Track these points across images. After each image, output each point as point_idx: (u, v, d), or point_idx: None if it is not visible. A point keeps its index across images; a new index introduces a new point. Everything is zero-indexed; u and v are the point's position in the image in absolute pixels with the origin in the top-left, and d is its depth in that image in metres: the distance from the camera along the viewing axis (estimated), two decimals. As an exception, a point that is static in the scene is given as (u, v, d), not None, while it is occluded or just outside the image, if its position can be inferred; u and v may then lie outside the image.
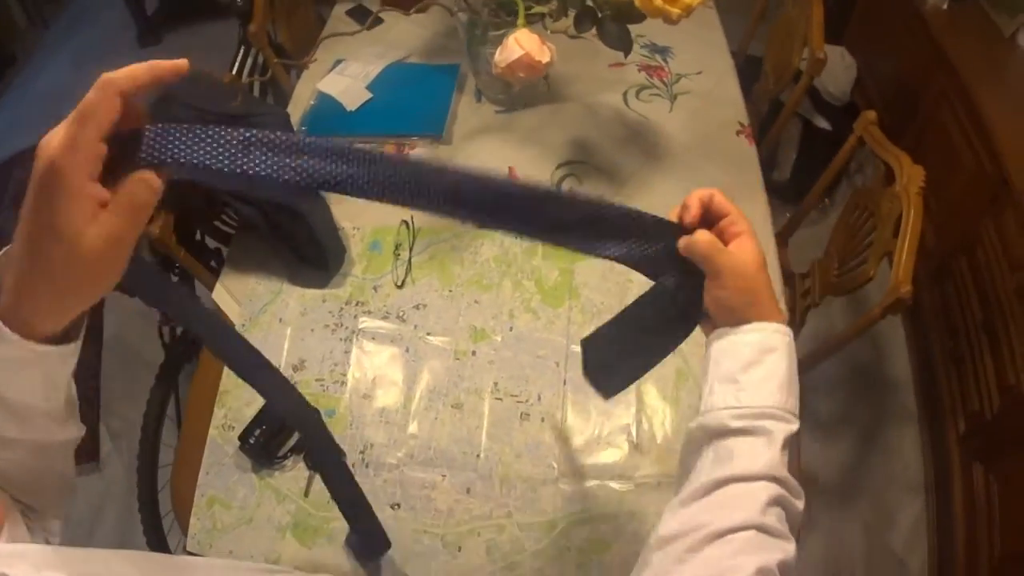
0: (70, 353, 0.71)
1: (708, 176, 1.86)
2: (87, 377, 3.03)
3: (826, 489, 2.63)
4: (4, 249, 0.66)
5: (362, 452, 1.55)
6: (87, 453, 2.87)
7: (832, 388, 2.73)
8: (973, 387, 2.38)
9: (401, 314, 1.70)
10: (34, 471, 0.79)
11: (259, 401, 1.57)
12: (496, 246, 1.78)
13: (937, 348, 2.63)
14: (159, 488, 2.04)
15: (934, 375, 2.63)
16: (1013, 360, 2.16)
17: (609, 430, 1.54)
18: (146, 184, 0.64)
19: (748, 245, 0.90)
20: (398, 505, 1.49)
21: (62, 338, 0.69)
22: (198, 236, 1.98)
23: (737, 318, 0.90)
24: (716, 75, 2.17)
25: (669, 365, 1.58)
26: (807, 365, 1.90)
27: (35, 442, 0.77)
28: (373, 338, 1.67)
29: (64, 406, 0.78)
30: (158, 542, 1.98)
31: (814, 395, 2.66)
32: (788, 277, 1.74)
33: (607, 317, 1.61)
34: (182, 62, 0.62)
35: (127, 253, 0.65)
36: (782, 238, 1.80)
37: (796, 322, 1.97)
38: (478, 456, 1.53)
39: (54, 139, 0.59)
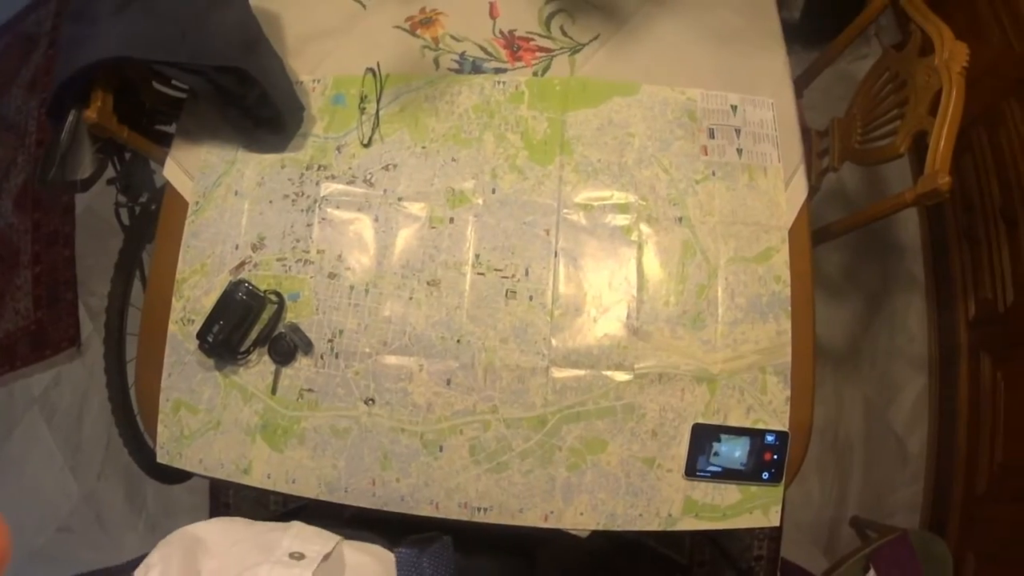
0: None
1: (720, 19, 1.62)
2: (62, 258, 2.89)
3: (828, 353, 2.52)
4: None
5: (331, 341, 1.40)
6: (68, 338, 2.78)
7: (838, 244, 2.55)
8: (987, 272, 2.23)
9: (368, 177, 1.50)
10: None
11: (218, 290, 1.42)
12: (476, 94, 1.55)
13: (951, 221, 2.46)
14: (131, 385, 1.90)
15: (946, 248, 2.47)
16: (1033, 257, 2.00)
17: (606, 311, 1.38)
18: None
19: None
20: (372, 400, 1.37)
21: None
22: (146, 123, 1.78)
23: None
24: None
25: (673, 235, 1.42)
26: (828, 234, 1.74)
27: None
28: (338, 206, 1.48)
29: None
30: (138, 447, 1.86)
31: (821, 249, 2.52)
32: (805, 133, 1.55)
33: (604, 177, 1.47)
34: None
35: None
36: (797, 89, 1.60)
37: (811, 185, 1.79)
38: (458, 342, 1.38)
39: None
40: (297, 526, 0.82)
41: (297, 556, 0.74)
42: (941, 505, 2.33)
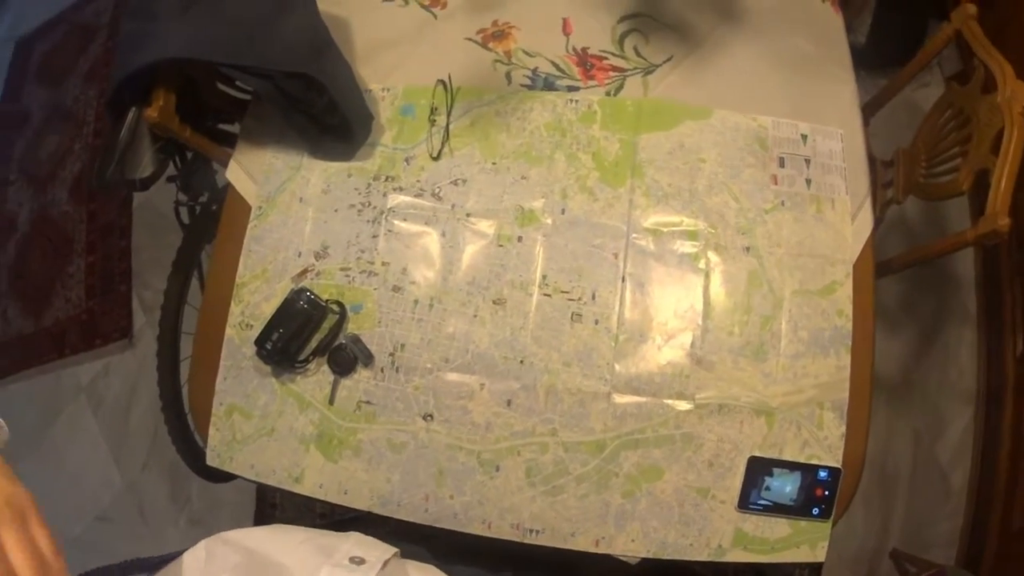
0: None
1: (791, 46, 1.60)
2: (117, 249, 2.91)
3: (880, 384, 2.48)
4: None
5: (392, 354, 1.40)
6: (119, 329, 2.80)
7: (896, 275, 2.54)
8: (1038, 309, 2.20)
9: (437, 191, 1.49)
10: None
11: (279, 296, 1.42)
12: (548, 111, 1.53)
13: (1005, 256, 2.42)
14: (183, 383, 1.91)
15: (999, 284, 2.44)
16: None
17: (671, 339, 1.37)
18: None
19: None
20: (431, 416, 1.36)
21: None
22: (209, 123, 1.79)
23: None
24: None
25: (741, 264, 1.40)
26: (889, 268, 1.74)
27: None
28: (405, 219, 1.47)
29: None
30: (186, 446, 1.89)
31: (880, 280, 2.51)
32: (870, 163, 1.53)
33: (675, 203, 1.46)
34: None
35: None
36: (863, 118, 1.59)
37: (875, 216, 1.77)
38: (521, 362, 1.37)
39: None
40: (356, 535, 0.83)
41: (358, 561, 0.75)
42: (978, 541, 2.30)
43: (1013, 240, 2.33)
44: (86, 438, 2.73)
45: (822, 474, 1.30)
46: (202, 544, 0.75)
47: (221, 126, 1.75)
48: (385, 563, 0.76)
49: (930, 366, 2.50)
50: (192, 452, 1.85)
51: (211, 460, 1.42)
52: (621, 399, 1.34)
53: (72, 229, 2.97)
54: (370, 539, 0.84)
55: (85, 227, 2.95)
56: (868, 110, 1.93)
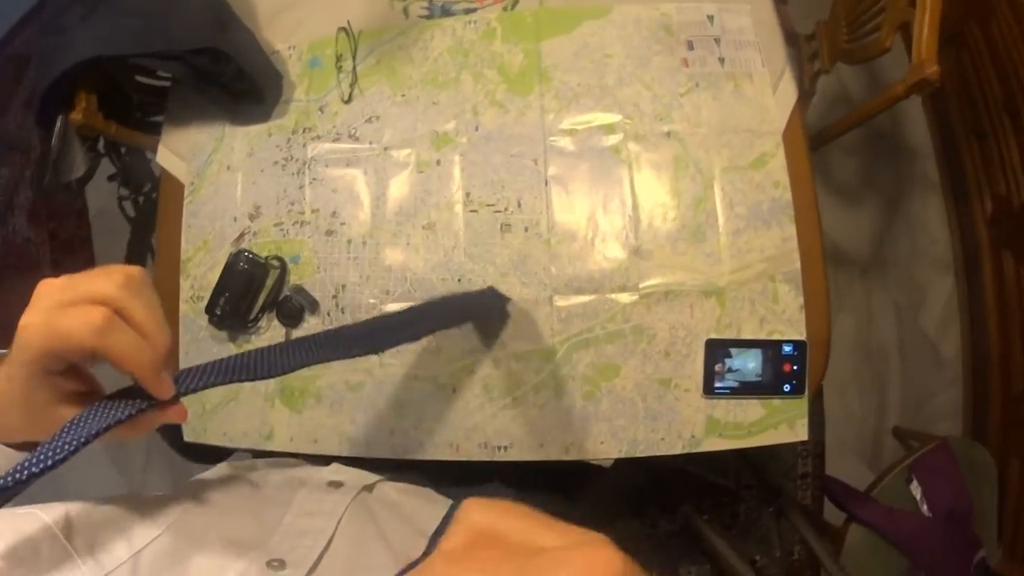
0: None
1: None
2: (82, 261, 2.92)
3: (852, 261, 2.50)
4: None
5: (335, 296, 1.41)
6: None
7: (850, 151, 2.52)
8: (999, 168, 2.20)
9: (353, 132, 1.49)
10: None
11: (222, 263, 1.43)
12: (448, 36, 1.53)
13: (956, 118, 2.42)
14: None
15: (956, 146, 2.43)
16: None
17: (604, 234, 1.37)
18: None
19: None
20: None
21: None
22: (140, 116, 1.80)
23: None
24: None
25: (663, 150, 1.40)
26: (826, 136, 1.72)
27: None
28: (327, 165, 1.48)
29: None
30: (168, 429, 1.90)
31: (834, 156, 2.47)
32: (792, 38, 1.51)
33: (586, 101, 1.46)
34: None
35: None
36: (781, -8, 1.59)
37: (805, 89, 1.76)
38: (459, 281, 1.38)
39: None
40: (336, 464, 0.84)
41: (336, 484, 0.75)
42: (981, 409, 2.31)
43: (963, 99, 2.32)
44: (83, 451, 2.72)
45: (787, 348, 1.29)
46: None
47: (152, 118, 1.76)
48: (367, 487, 0.77)
49: (900, 237, 2.49)
50: (175, 435, 1.88)
51: (187, 435, 1.44)
52: (564, 301, 1.34)
53: (36, 253, 2.99)
54: (350, 468, 0.84)
55: (48, 247, 2.96)
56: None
